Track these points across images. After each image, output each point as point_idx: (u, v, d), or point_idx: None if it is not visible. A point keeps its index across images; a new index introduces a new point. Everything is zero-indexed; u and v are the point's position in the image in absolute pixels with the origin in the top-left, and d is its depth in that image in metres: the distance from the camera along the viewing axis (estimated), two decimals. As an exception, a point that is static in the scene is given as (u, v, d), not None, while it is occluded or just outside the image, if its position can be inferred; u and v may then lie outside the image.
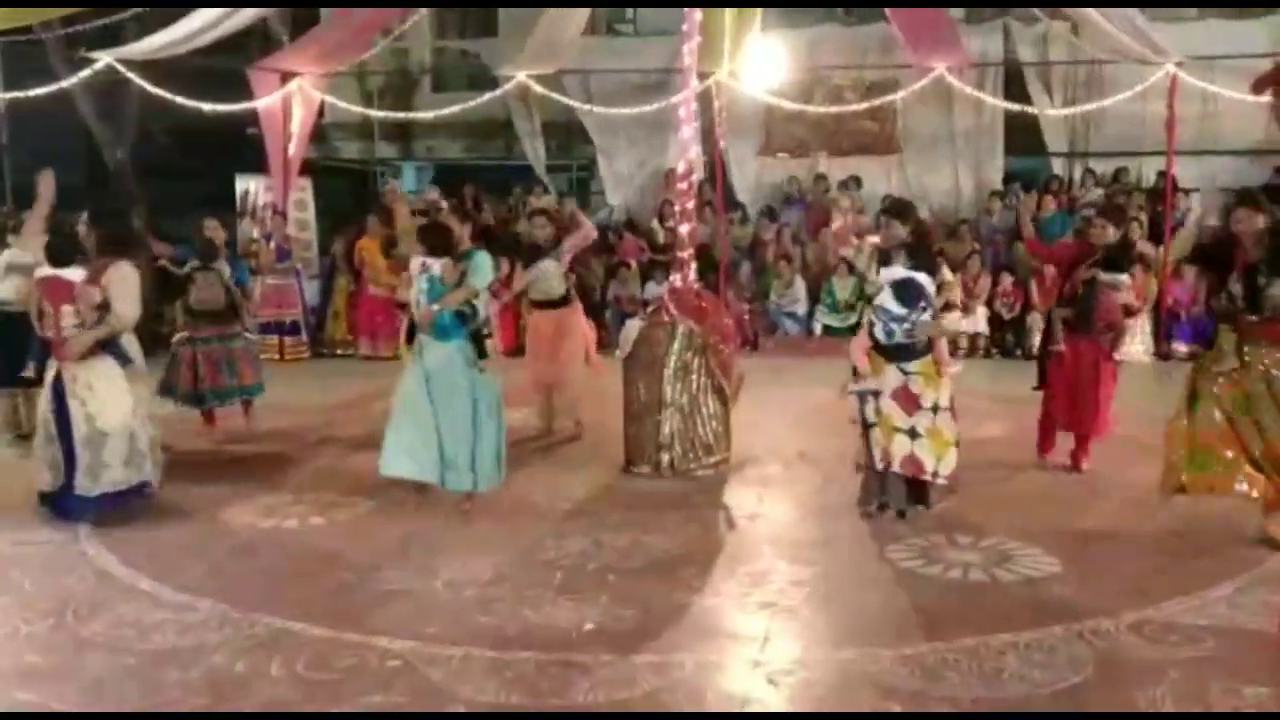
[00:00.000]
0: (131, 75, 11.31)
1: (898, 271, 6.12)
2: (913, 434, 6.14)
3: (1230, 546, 5.71)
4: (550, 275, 8.34)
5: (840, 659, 4.43)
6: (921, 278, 6.08)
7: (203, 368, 8.33)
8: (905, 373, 6.15)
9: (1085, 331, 7.17)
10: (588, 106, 14.76)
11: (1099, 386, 7.19)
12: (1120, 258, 7.29)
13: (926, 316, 6.10)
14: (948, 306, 6.29)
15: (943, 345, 6.27)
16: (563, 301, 8.42)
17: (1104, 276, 7.12)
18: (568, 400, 8.48)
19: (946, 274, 6.38)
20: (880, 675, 4.25)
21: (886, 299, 6.10)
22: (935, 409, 6.19)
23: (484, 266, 6.54)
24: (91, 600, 5.13)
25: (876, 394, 6.17)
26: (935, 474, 6.20)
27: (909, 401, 6.14)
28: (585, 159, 17.57)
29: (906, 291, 6.07)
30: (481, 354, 6.50)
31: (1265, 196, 11.88)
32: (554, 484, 7.18)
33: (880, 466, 6.18)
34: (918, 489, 6.31)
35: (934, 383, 6.21)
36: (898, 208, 6.69)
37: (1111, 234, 7.24)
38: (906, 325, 6.08)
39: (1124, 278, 7.25)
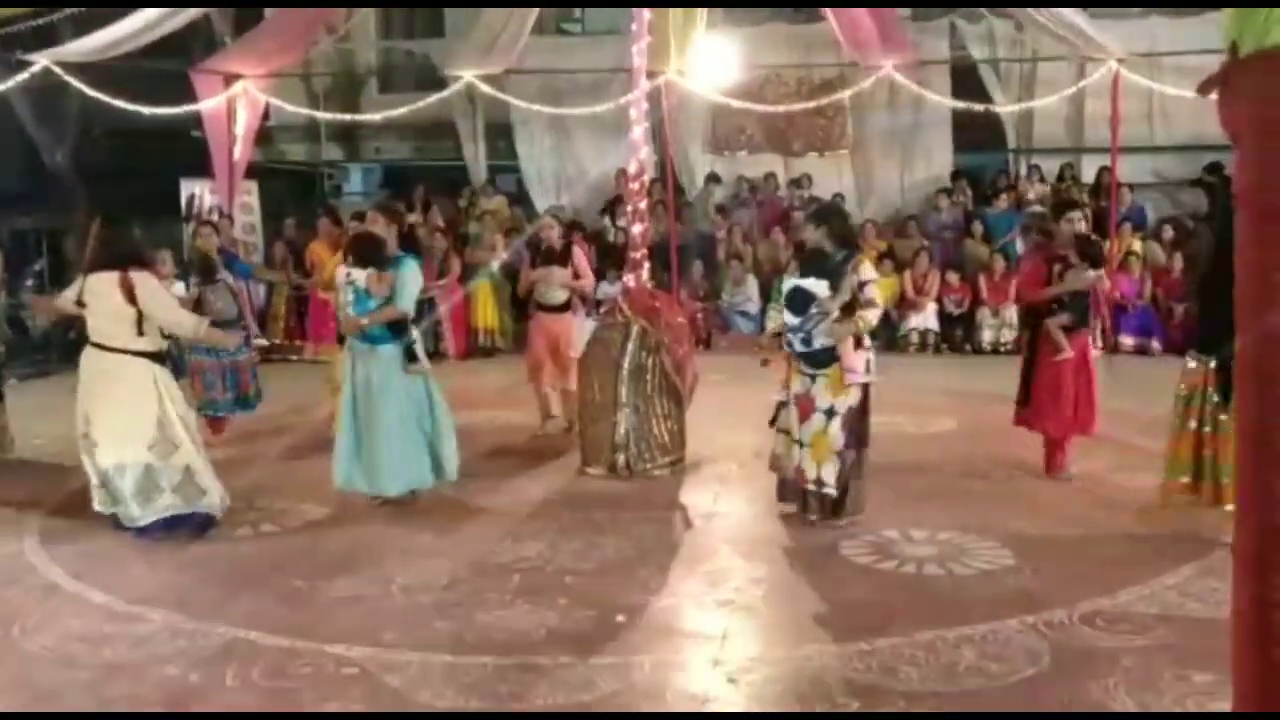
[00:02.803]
0: (69, 78, 11.10)
1: (789, 281, 6.14)
2: (801, 443, 6.09)
3: (1178, 536, 5.80)
4: (554, 281, 8.36)
5: (798, 655, 4.45)
6: (808, 283, 6.01)
7: (212, 377, 8.24)
8: (812, 379, 6.06)
9: (1076, 328, 7.01)
10: (536, 106, 14.71)
11: (1092, 383, 7.02)
12: (1093, 253, 7.15)
13: (823, 323, 5.98)
14: (868, 304, 6.05)
15: (847, 350, 6.01)
16: (564, 308, 8.48)
17: (1087, 274, 6.96)
18: (570, 404, 8.42)
19: (867, 271, 6.13)
20: (838, 671, 4.27)
21: (785, 311, 6.11)
22: (828, 413, 6.00)
23: (410, 283, 6.48)
24: (39, 614, 5.03)
25: (785, 403, 6.23)
26: (819, 482, 6.03)
27: (805, 408, 6.06)
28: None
29: (795, 301, 6.06)
30: (412, 358, 6.48)
31: (1204, 189, 11.85)
32: (510, 487, 7.16)
33: (788, 475, 6.23)
34: (816, 499, 6.15)
35: (836, 388, 6.02)
36: (819, 213, 6.57)
37: (1082, 226, 7.16)
38: (801, 334, 6.03)
39: (1099, 271, 7.14)
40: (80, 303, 6.17)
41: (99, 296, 6.08)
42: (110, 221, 6.41)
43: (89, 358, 6.16)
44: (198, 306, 7.88)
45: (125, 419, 6.03)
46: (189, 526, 6.14)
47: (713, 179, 15.42)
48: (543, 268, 8.39)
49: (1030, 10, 11.78)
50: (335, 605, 5.09)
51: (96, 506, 6.20)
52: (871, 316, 6.06)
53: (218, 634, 4.73)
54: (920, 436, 8.37)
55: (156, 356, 6.18)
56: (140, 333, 6.08)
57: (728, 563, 5.62)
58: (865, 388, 6.09)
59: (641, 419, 7.31)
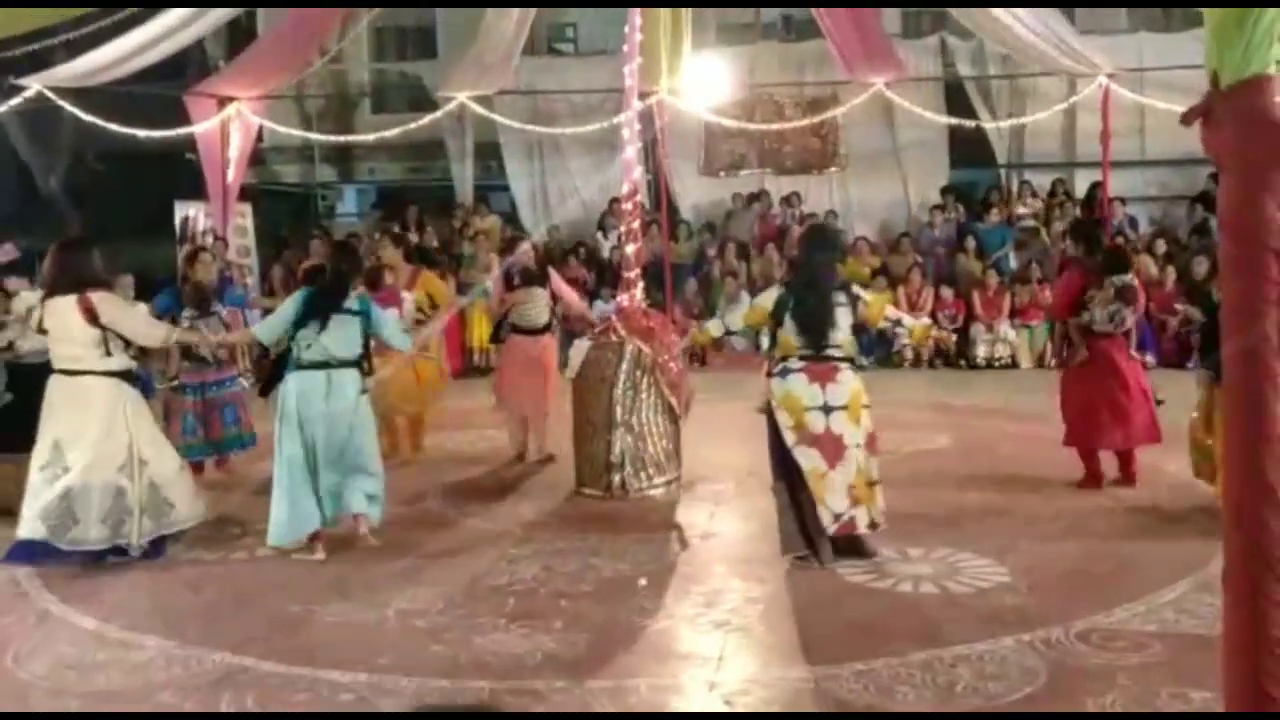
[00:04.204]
0: (63, 103, 11.12)
1: None
2: None
3: (1173, 550, 5.81)
4: (538, 302, 8.26)
5: (794, 676, 4.43)
6: None
7: (208, 416, 7.79)
8: None
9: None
10: (528, 126, 14.76)
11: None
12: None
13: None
14: None
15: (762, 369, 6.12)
16: (545, 330, 8.35)
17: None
18: (543, 432, 8.31)
19: (759, 298, 6.22)
20: (835, 692, 4.26)
21: None
22: None
23: (273, 314, 6.42)
24: (32, 642, 4.99)
25: None
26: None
27: None
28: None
29: None
30: (263, 391, 6.51)
31: (1200, 204, 11.97)
32: (504, 509, 7.15)
33: None
34: None
35: None
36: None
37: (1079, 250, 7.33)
38: None
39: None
40: (42, 329, 6.07)
41: (59, 321, 5.98)
42: (67, 245, 6.22)
43: (56, 384, 6.02)
44: None
45: (97, 440, 5.94)
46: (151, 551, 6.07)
47: (753, 199, 15.40)
48: (523, 289, 8.28)
49: (1018, 29, 11.85)
50: (330, 630, 5.07)
51: (22, 533, 5.98)
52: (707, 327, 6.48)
53: (212, 660, 4.70)
54: (915, 453, 8.37)
55: (125, 376, 6.08)
56: (107, 353, 5.98)
57: (723, 583, 5.61)
58: (771, 418, 5.81)
59: (636, 438, 7.30)
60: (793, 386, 5.75)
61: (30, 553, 5.98)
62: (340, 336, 6.16)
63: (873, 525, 5.78)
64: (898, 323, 6.23)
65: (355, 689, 4.38)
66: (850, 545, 5.80)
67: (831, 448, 5.68)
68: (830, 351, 5.79)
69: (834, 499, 5.65)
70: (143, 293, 8.47)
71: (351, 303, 6.27)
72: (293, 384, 6.14)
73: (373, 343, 6.43)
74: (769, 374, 5.93)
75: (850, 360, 5.86)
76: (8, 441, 6.38)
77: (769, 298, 5.99)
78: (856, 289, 6.12)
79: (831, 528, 5.67)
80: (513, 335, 8.41)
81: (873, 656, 4.53)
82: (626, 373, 7.29)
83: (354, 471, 6.20)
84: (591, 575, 5.73)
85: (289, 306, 6.30)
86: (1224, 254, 1.97)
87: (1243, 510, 1.90)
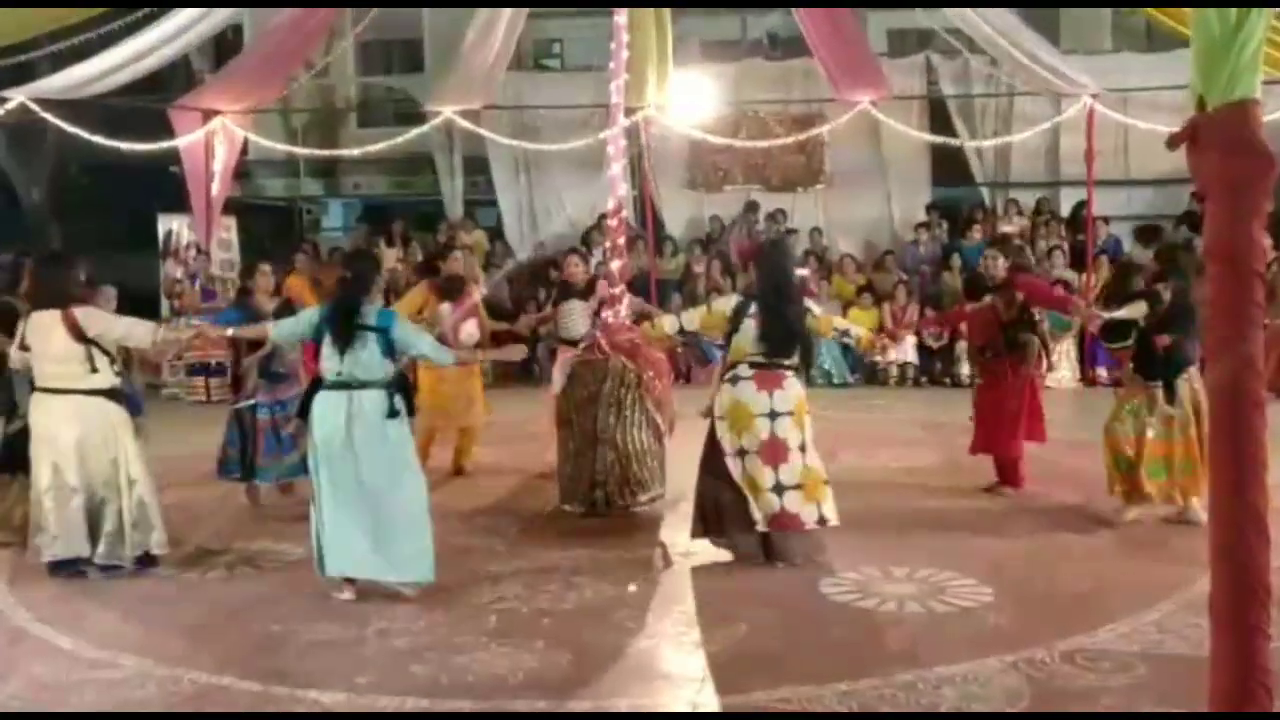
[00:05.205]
0: (46, 115, 11.05)
1: None
2: None
3: (1156, 569, 5.81)
4: (576, 314, 8.32)
5: (777, 698, 4.39)
6: None
7: (271, 440, 7.45)
8: None
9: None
10: (514, 142, 14.74)
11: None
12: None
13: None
14: None
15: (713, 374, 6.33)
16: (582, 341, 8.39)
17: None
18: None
19: (718, 302, 6.51)
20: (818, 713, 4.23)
21: None
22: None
23: (296, 319, 6.07)
24: (5, 661, 4.93)
25: None
26: None
27: None
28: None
29: None
30: (301, 413, 5.87)
31: (1185, 223, 12.14)
32: (486, 526, 7.09)
33: None
34: None
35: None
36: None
37: (1001, 265, 7.62)
38: None
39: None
40: (24, 346, 5.96)
41: (42, 337, 5.90)
42: (47, 259, 6.14)
43: (42, 406, 5.95)
44: (274, 353, 7.19)
45: (85, 458, 5.94)
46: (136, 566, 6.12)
47: (751, 208, 15.41)
48: (563, 304, 8.39)
49: (1005, 45, 11.90)
50: (310, 649, 5.01)
51: (48, 555, 6.01)
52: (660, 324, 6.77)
53: (189, 680, 4.64)
54: (900, 470, 8.36)
55: (111, 394, 6.02)
56: (93, 369, 5.90)
57: (706, 602, 5.57)
58: (712, 426, 6.13)
59: (620, 455, 7.25)
60: (741, 395, 6.03)
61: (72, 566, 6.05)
62: (358, 355, 5.52)
63: (821, 520, 6.04)
64: (845, 333, 6.60)
65: (334, 709, 4.34)
66: (781, 545, 6.03)
67: (772, 451, 5.99)
68: (782, 360, 6.04)
69: (764, 500, 5.95)
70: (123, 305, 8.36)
71: (368, 318, 5.60)
72: (315, 405, 5.63)
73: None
74: (721, 377, 6.20)
75: (795, 369, 6.12)
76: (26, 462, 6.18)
77: (728, 303, 6.24)
78: (808, 302, 6.43)
79: (763, 525, 5.98)
80: (560, 346, 8.52)
81: (856, 677, 4.51)
82: (611, 389, 7.26)
83: (394, 524, 5.56)
84: (573, 594, 5.69)
85: (310, 314, 5.92)
86: (1210, 276, 1.96)
87: (1229, 538, 1.89)
